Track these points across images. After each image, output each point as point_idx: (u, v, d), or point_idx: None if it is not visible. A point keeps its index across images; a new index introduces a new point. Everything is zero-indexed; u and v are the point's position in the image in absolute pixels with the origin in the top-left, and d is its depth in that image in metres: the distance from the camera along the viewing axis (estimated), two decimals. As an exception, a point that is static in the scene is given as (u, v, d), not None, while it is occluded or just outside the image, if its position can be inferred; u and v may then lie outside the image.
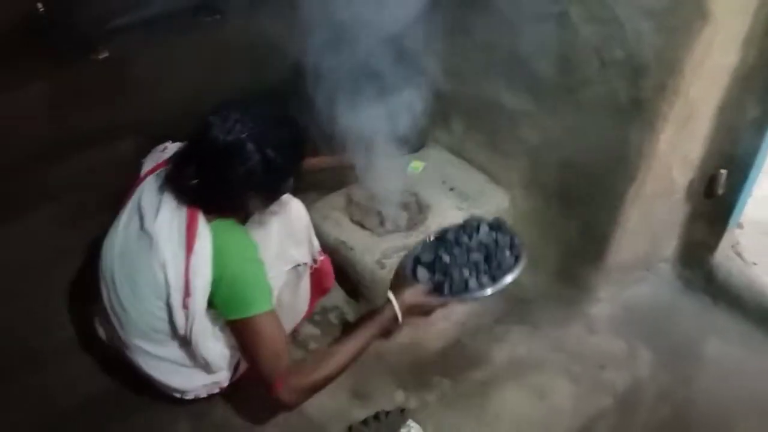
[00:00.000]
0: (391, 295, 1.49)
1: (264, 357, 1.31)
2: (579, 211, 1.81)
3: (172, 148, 1.63)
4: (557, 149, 1.80)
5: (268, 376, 1.30)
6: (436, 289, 1.58)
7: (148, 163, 1.61)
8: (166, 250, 1.33)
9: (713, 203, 1.80)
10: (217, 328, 1.43)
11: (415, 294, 1.53)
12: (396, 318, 1.47)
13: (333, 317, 1.90)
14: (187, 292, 1.33)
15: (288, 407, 1.35)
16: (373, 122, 2.19)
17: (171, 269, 1.32)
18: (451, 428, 1.60)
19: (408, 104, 2.14)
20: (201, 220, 1.34)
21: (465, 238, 1.68)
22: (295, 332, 1.79)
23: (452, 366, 1.77)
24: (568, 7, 1.61)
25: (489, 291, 1.56)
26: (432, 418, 1.61)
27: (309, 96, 2.61)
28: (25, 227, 2.17)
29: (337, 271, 1.85)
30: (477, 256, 1.62)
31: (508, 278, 1.57)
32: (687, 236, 1.89)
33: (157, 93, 2.69)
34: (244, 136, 1.28)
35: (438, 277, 1.60)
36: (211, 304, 1.37)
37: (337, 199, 1.99)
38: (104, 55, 2.65)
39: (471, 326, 1.93)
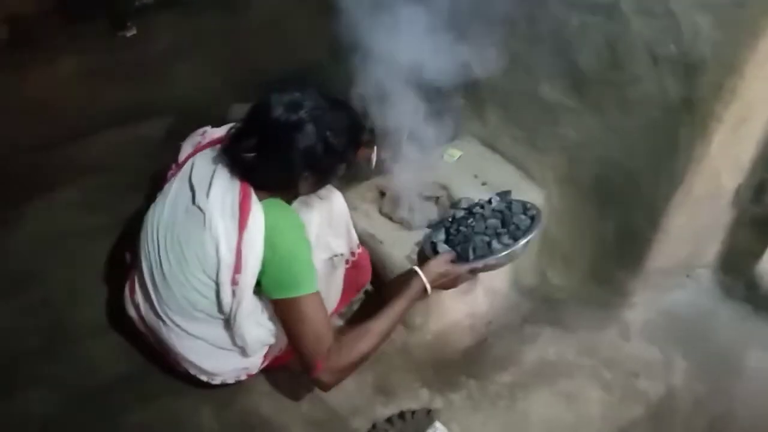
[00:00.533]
0: (416, 268, 1.51)
1: (307, 338, 1.32)
2: (618, 213, 1.74)
3: (211, 132, 1.62)
4: (598, 147, 1.72)
5: (309, 357, 1.32)
6: (461, 258, 1.57)
7: (187, 148, 1.61)
8: (218, 225, 1.34)
9: (761, 209, 1.72)
10: (259, 312, 1.44)
11: (439, 263, 1.54)
12: (425, 289, 1.49)
13: (358, 310, 1.88)
14: (237, 269, 1.34)
15: (326, 387, 1.36)
16: (405, 110, 2.13)
17: (223, 244, 1.33)
18: (476, 431, 1.56)
19: (443, 93, 2.08)
20: (253, 197, 1.35)
21: (478, 209, 1.71)
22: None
23: (479, 366, 1.73)
24: (620, -3, 1.53)
25: (512, 249, 1.56)
26: (457, 419, 1.58)
27: (341, 80, 2.57)
28: (51, 206, 2.18)
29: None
30: (494, 222, 1.65)
31: (530, 235, 1.58)
32: (730, 242, 1.81)
33: (186, 72, 2.67)
34: (305, 115, 1.30)
35: (460, 246, 1.61)
36: (258, 284, 1.38)
37: (367, 190, 1.94)
38: (132, 32, 2.62)
39: (498, 325, 1.89)
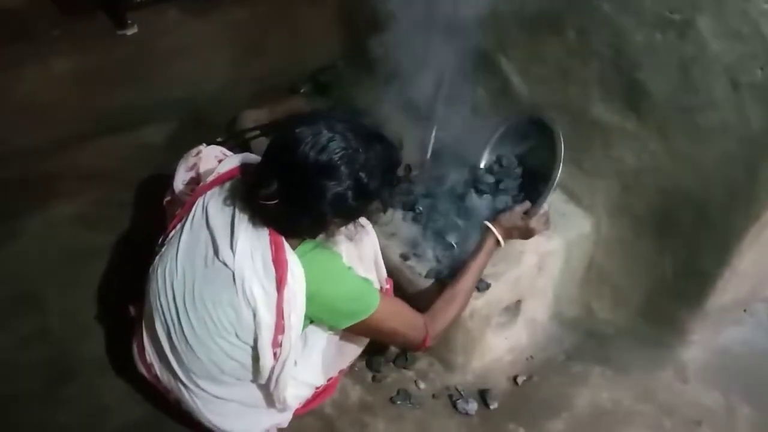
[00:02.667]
0: (487, 223, 1.51)
1: (403, 333, 1.33)
2: (678, 247, 1.61)
3: (206, 152, 1.50)
4: (659, 175, 1.59)
5: (414, 343, 1.36)
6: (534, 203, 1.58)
7: (181, 171, 1.50)
8: (253, 286, 1.18)
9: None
10: (293, 367, 1.30)
11: (510, 217, 1.54)
12: (498, 241, 1.50)
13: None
14: (279, 329, 1.20)
15: (430, 348, 1.42)
16: (430, 124, 1.99)
17: (261, 307, 1.18)
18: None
19: (472, 107, 1.94)
20: (288, 250, 1.19)
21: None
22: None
23: (527, 410, 1.60)
24: (696, 16, 1.39)
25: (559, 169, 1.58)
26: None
27: (354, 89, 2.41)
28: (46, 220, 2.01)
29: (399, 295, 1.65)
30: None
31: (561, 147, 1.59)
32: (793, 277, 1.70)
33: (189, 73, 2.48)
34: (337, 156, 1.12)
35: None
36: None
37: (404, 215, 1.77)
38: (133, 31, 2.42)
39: (540, 360, 1.77)
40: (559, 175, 1.56)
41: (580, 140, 1.76)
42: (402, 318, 1.32)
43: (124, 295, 1.53)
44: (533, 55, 1.81)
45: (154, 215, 1.66)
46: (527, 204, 1.56)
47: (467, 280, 1.43)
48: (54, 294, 1.76)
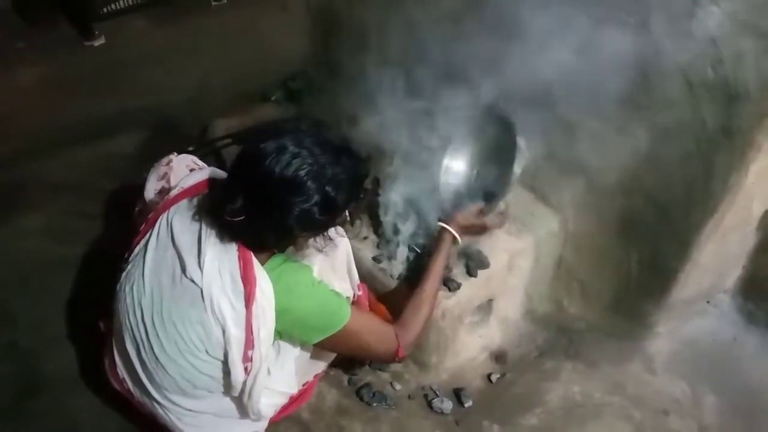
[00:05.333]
0: (442, 224, 1.53)
1: (375, 347, 1.32)
2: (643, 242, 1.66)
3: (177, 162, 1.48)
4: (622, 172, 1.63)
5: (386, 355, 1.34)
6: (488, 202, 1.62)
7: (152, 180, 1.46)
8: (222, 303, 1.18)
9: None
10: (266, 377, 1.30)
11: (466, 216, 1.55)
12: (455, 240, 1.53)
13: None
14: (249, 344, 1.20)
15: (405, 358, 1.41)
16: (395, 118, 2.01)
17: (230, 323, 1.18)
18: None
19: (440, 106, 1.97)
20: (256, 265, 1.19)
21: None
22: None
23: (501, 407, 1.62)
24: (650, 17, 1.43)
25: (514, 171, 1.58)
26: (486, 471, 1.47)
27: (325, 96, 2.42)
28: (13, 233, 1.98)
29: (373, 298, 1.67)
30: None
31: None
32: (753, 268, 1.76)
33: (158, 82, 2.48)
34: (303, 171, 1.12)
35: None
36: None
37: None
38: (101, 41, 2.41)
39: (513, 357, 1.79)
40: (515, 173, 1.57)
41: (546, 139, 1.80)
42: (373, 331, 1.31)
43: (95, 308, 1.52)
44: (495, 54, 1.84)
45: (124, 226, 1.65)
46: (480, 205, 1.59)
47: (430, 284, 1.44)
48: (23, 306, 1.74)
